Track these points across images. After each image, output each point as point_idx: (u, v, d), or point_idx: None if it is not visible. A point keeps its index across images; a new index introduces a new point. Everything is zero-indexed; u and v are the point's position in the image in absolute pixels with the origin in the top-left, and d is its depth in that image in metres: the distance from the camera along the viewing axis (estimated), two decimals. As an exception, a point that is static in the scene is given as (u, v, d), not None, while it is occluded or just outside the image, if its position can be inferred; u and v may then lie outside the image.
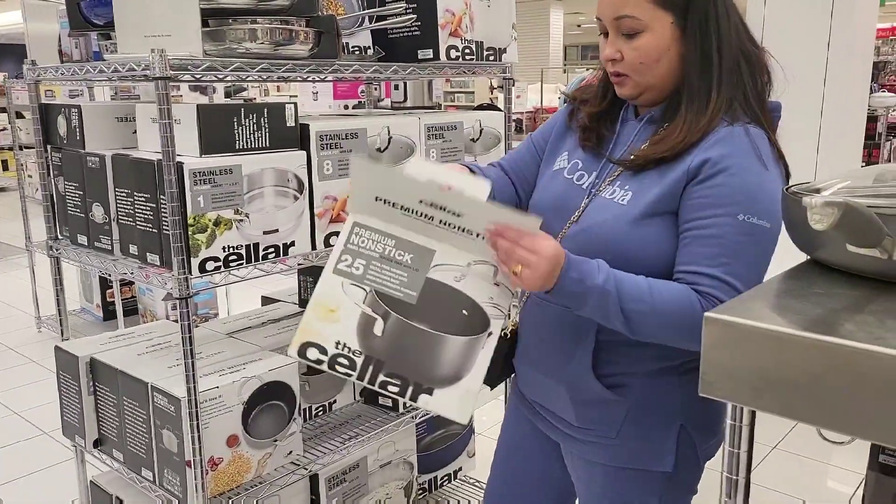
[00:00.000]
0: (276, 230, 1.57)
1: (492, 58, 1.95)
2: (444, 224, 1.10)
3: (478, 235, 1.10)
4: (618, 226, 1.18)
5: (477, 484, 2.36)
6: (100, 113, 1.64)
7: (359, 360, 1.10)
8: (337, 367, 1.10)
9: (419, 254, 1.12)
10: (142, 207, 1.50)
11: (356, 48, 1.85)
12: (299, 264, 1.62)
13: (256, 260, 1.53)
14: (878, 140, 4.86)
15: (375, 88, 2.98)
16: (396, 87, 4.93)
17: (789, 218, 0.83)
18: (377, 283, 1.11)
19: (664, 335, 1.13)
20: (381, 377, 1.10)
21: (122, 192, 1.55)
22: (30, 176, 6.84)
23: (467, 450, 2.43)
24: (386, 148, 1.78)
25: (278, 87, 9.98)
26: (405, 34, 1.85)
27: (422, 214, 1.10)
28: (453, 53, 1.83)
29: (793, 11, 4.18)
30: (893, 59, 6.84)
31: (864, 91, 4.32)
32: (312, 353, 1.10)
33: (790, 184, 0.99)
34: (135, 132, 1.67)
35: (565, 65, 16.22)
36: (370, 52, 1.87)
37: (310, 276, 2.03)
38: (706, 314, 0.67)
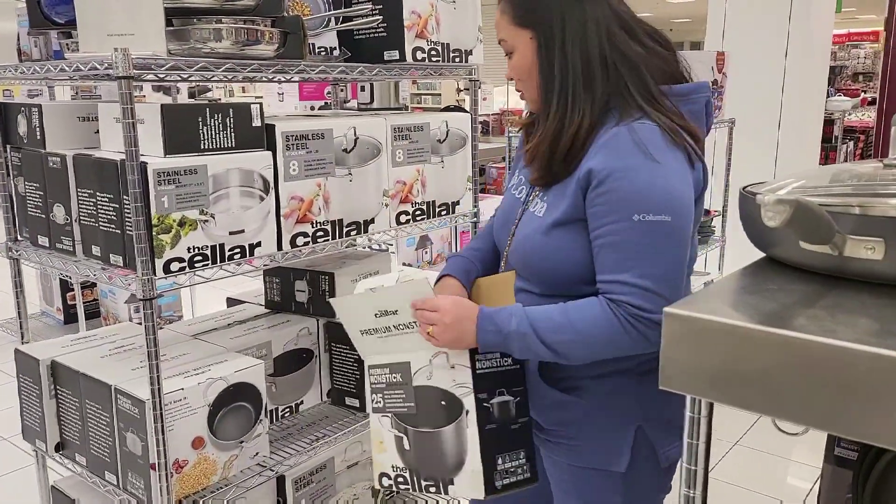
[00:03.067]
0: (242, 230, 1.56)
1: (458, 59, 1.96)
2: (398, 327, 1.30)
3: (414, 325, 1.28)
4: (535, 237, 1.25)
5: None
6: (61, 112, 1.61)
7: (408, 475, 1.32)
8: (401, 486, 1.33)
9: (402, 370, 1.32)
10: (104, 208, 1.48)
11: (322, 49, 1.85)
12: (265, 265, 1.62)
13: (222, 260, 1.52)
14: (834, 143, 5.00)
15: (342, 90, 2.98)
16: (363, 89, 4.93)
17: (745, 215, 0.86)
18: (391, 407, 1.33)
19: (595, 354, 1.18)
20: (423, 482, 1.31)
21: (84, 193, 1.53)
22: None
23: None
24: (352, 149, 1.78)
25: (244, 87, 9.88)
26: (371, 35, 1.86)
27: (385, 329, 1.31)
28: (419, 55, 1.84)
29: (752, 18, 4.28)
30: (849, 64, 7.04)
31: (821, 95, 4.44)
32: (385, 481, 1.35)
33: (747, 184, 1.02)
34: (97, 132, 1.64)
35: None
36: (336, 52, 1.87)
37: (276, 276, 2.02)
38: (665, 310, 0.69)
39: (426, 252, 5.23)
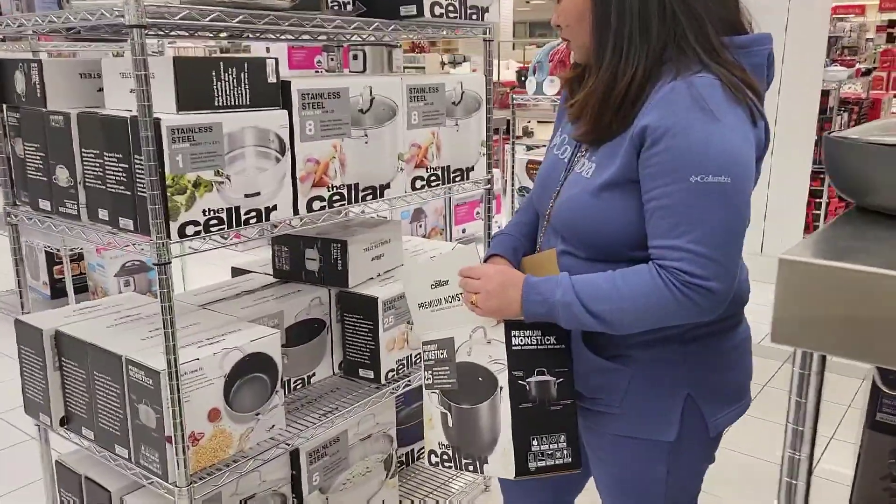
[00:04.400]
0: (258, 193, 1.48)
1: (475, 17, 1.89)
2: (448, 300, 1.29)
3: (461, 295, 1.27)
4: (582, 199, 1.18)
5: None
6: (62, 69, 1.52)
7: (451, 452, 1.29)
8: (445, 464, 1.30)
9: (448, 346, 1.29)
10: (113, 169, 1.39)
11: (335, 3, 1.76)
12: (280, 230, 1.54)
13: (238, 225, 1.45)
14: (829, 114, 4.98)
15: (332, 59, 2.88)
16: (355, 57, 4.81)
17: (833, 164, 0.80)
18: (439, 384, 1.30)
19: (644, 324, 1.13)
20: (464, 460, 1.28)
21: (89, 154, 1.44)
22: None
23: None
24: (368, 109, 1.71)
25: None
26: (386, -11, 1.77)
27: (438, 302, 1.30)
28: (437, 10, 1.76)
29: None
30: (845, 34, 7.01)
31: (819, 65, 4.40)
32: (433, 458, 1.32)
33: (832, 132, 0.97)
34: (100, 90, 1.55)
35: (514, 40, 16.18)
36: (350, 7, 1.78)
37: (285, 245, 1.95)
38: (780, 257, 0.64)
39: (420, 226, 5.17)
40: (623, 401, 1.23)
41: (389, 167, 1.78)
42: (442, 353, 1.29)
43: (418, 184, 1.87)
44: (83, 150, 1.45)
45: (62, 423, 1.64)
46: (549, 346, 1.24)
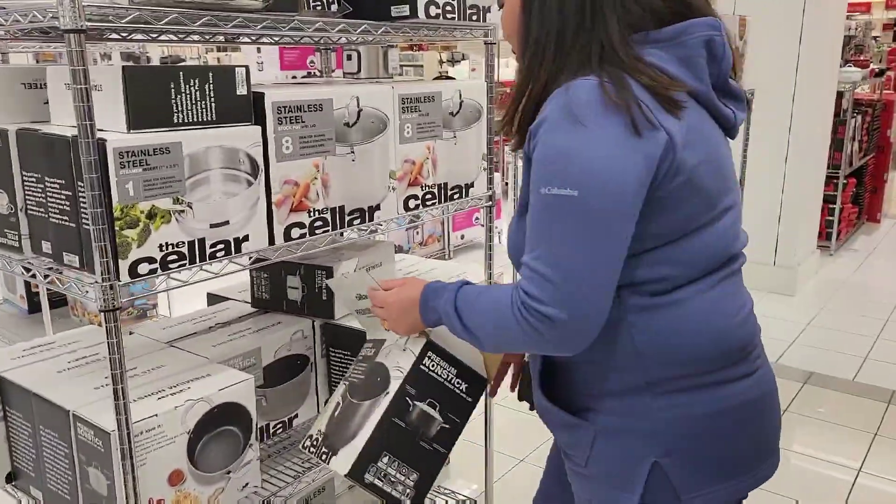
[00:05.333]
0: (226, 222, 1.29)
1: (475, 17, 1.69)
2: (370, 312, 1.34)
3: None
4: (511, 225, 1.16)
5: (453, 496, 2.14)
6: (1, 79, 1.32)
7: (320, 440, 1.31)
8: (310, 450, 1.32)
9: (377, 346, 1.36)
10: (55, 196, 1.20)
11: (317, 2, 1.56)
12: (254, 263, 1.35)
13: (202, 259, 1.25)
14: (843, 117, 4.79)
15: (324, 59, 2.70)
16: (349, 57, 4.61)
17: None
18: (352, 377, 1.35)
19: (497, 343, 1.11)
20: (323, 449, 1.29)
21: (30, 177, 1.24)
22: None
23: (442, 457, 2.20)
24: (355, 122, 1.51)
25: (218, 59, 9.41)
26: (375, -13, 1.58)
27: (367, 310, 1.36)
28: (433, 10, 1.56)
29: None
30: (850, 32, 6.82)
31: (834, 65, 4.22)
32: (307, 443, 1.34)
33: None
34: (46, 102, 1.35)
35: (515, 38, 15.99)
36: (335, 7, 1.58)
37: (264, 271, 1.75)
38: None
39: (417, 233, 4.96)
40: (588, 460, 1.11)
41: (379, 187, 1.59)
42: (370, 351, 1.36)
43: (412, 203, 1.68)
44: (24, 172, 1.26)
45: (8, 479, 1.45)
46: (456, 389, 1.27)
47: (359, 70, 4.84)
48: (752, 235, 3.87)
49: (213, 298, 1.91)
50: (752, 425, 1.11)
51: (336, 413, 1.31)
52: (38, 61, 4.50)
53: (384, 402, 1.24)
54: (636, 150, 0.96)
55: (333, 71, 2.47)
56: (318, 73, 5.10)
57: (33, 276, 1.25)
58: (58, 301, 3.57)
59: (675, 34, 1.02)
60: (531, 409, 1.31)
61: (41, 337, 3.08)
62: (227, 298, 1.89)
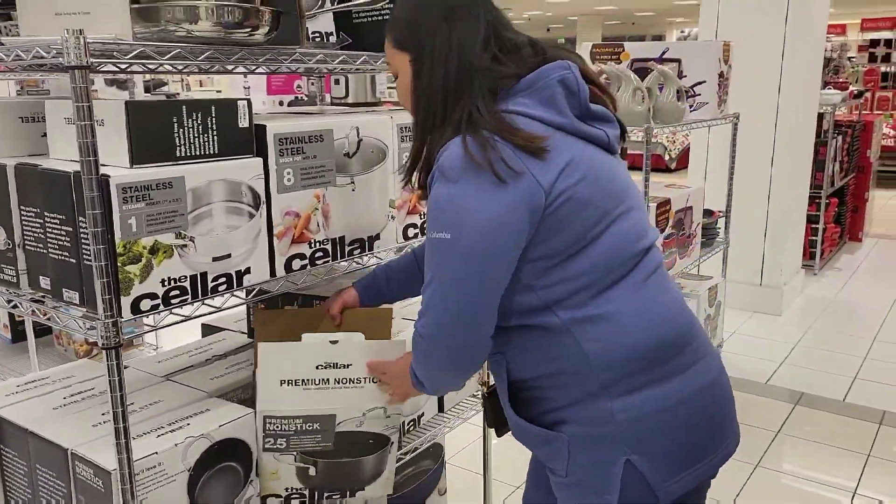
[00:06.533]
0: (228, 255, 1.28)
1: (472, 48, 1.70)
2: (339, 382, 1.41)
3: (366, 380, 1.42)
4: None
5: (452, 525, 2.12)
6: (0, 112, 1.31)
7: (307, 493, 1.46)
8: (293, 500, 1.46)
9: (325, 421, 1.42)
10: (55, 231, 1.18)
11: (316, 34, 1.57)
12: (256, 296, 1.34)
13: (204, 293, 1.24)
14: (824, 138, 4.87)
15: (312, 83, 2.69)
16: (337, 82, 4.62)
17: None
18: (300, 448, 1.42)
19: (429, 381, 1.26)
20: (326, 494, 1.48)
21: (29, 212, 1.23)
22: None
23: (438, 487, 2.18)
24: (355, 153, 1.51)
25: (201, 81, 9.25)
26: (373, 18, 1.59)
27: (320, 381, 1.40)
28: (432, 42, 1.57)
29: (748, 7, 4.09)
30: (827, 53, 6.95)
31: (815, 88, 4.29)
32: (273, 501, 1.44)
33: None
34: (44, 135, 1.34)
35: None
36: (333, 38, 1.59)
37: (261, 301, 1.73)
38: None
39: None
40: (568, 470, 1.21)
41: (379, 216, 1.58)
42: (312, 426, 1.40)
43: (411, 232, 1.68)
44: (22, 207, 1.24)
45: (1, 519, 1.41)
46: None
47: (346, 94, 4.85)
48: (739, 256, 3.88)
49: (208, 329, 1.89)
50: (707, 411, 1.22)
51: (313, 473, 1.43)
52: (21, 87, 4.45)
53: (394, 447, 1.47)
54: (502, 197, 1.10)
55: (323, 98, 2.47)
56: (305, 98, 5.10)
57: (32, 312, 1.23)
58: (42, 330, 3.52)
59: (532, 82, 1.18)
60: (499, 435, 1.44)
61: (25, 367, 3.02)
62: (223, 329, 1.87)
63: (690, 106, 3.14)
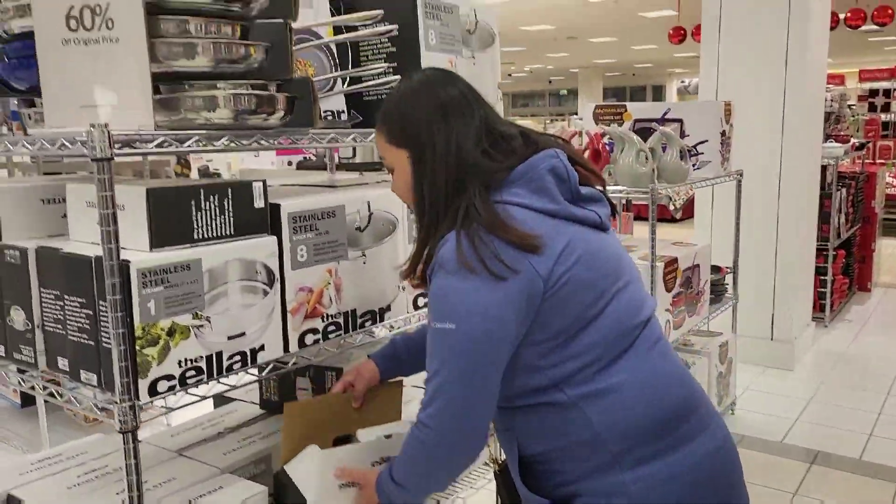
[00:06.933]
0: (243, 333, 1.30)
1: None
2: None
3: None
4: None
5: None
6: (21, 196, 1.35)
7: None
8: None
9: None
10: (74, 314, 1.21)
11: (328, 112, 1.62)
12: (270, 372, 1.35)
13: (220, 372, 1.26)
14: (828, 190, 4.91)
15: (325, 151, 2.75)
16: (345, 143, 4.71)
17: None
18: None
19: (420, 474, 1.24)
20: None
21: (49, 294, 1.25)
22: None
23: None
24: (366, 226, 1.54)
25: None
26: (382, 96, 1.63)
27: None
28: (440, 118, 1.62)
29: (747, 64, 4.18)
30: (827, 104, 7.04)
31: (818, 142, 4.35)
32: None
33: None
34: (64, 216, 1.38)
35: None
36: (344, 116, 1.64)
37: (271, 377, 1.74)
38: None
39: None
40: None
41: (390, 288, 1.61)
42: None
43: (421, 301, 1.69)
44: (42, 290, 1.27)
45: None
46: None
47: (354, 155, 4.94)
48: (749, 311, 3.85)
49: (219, 399, 1.90)
50: (716, 477, 1.23)
51: None
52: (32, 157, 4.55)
53: None
54: (501, 290, 1.14)
55: (332, 158, 2.52)
56: (313, 158, 5.20)
57: (50, 394, 1.24)
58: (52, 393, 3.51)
59: (524, 172, 1.22)
60: None
61: (35, 433, 3.01)
62: (234, 399, 1.87)
63: (694, 164, 3.19)
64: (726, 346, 3.43)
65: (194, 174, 4.74)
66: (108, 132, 1.06)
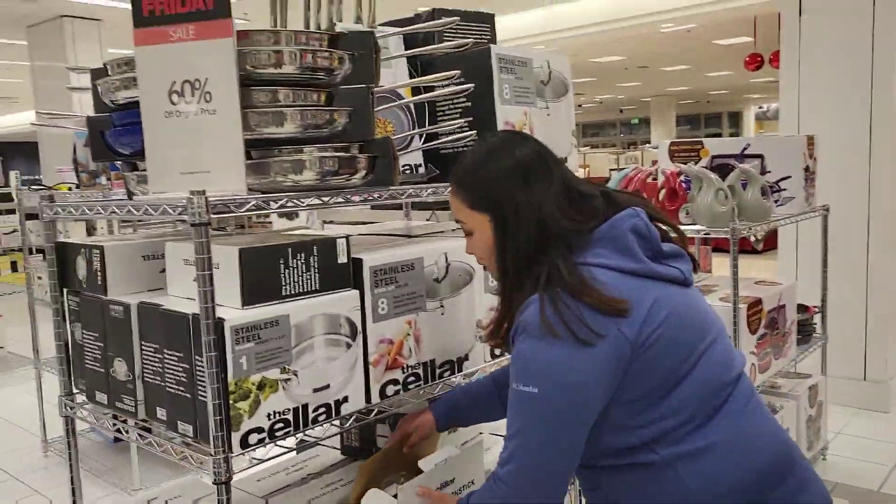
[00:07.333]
0: (327, 386, 1.34)
1: (555, 171, 1.76)
2: None
3: None
4: None
5: None
6: (124, 253, 1.44)
7: None
8: None
9: None
10: (173, 367, 1.28)
11: (406, 166, 1.67)
12: (353, 423, 1.39)
13: (305, 425, 1.30)
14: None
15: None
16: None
17: None
18: None
19: None
20: None
21: (149, 347, 1.33)
22: (39, 278, 6.68)
23: None
24: (444, 277, 1.57)
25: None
26: (458, 150, 1.67)
27: None
28: (516, 170, 1.64)
29: (830, 95, 4.06)
30: None
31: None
32: None
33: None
34: (163, 271, 1.46)
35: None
36: (421, 169, 1.69)
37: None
38: None
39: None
40: None
41: (467, 337, 1.63)
42: None
43: (498, 351, 1.71)
44: (143, 343, 1.35)
45: None
46: None
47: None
48: (840, 352, 3.66)
49: (301, 441, 1.95)
50: None
51: None
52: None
53: None
54: (587, 355, 1.14)
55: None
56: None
57: (149, 443, 1.31)
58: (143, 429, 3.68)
59: (606, 233, 1.23)
60: None
61: (126, 468, 3.14)
62: (316, 443, 1.92)
63: (776, 201, 3.10)
64: (816, 388, 3.29)
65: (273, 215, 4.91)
66: (206, 199, 1.13)
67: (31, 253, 4.80)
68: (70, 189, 3.71)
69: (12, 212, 8.31)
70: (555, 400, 1.14)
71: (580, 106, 22.14)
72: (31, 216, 6.64)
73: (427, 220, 3.25)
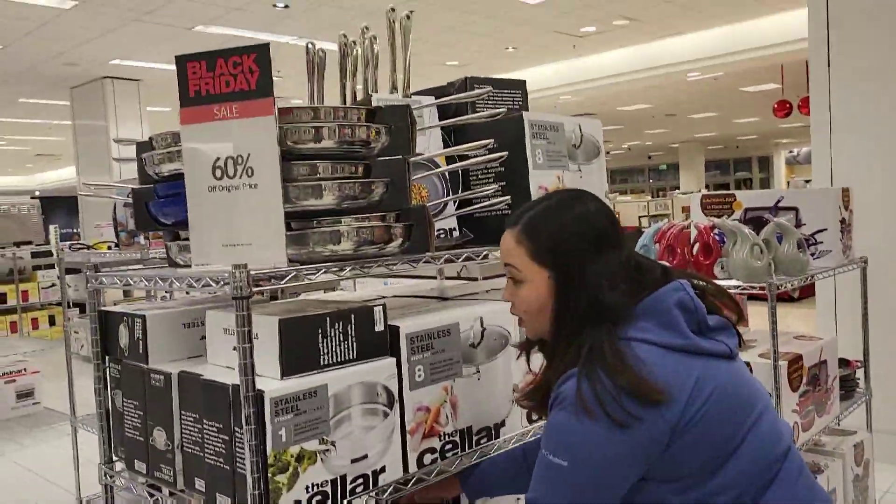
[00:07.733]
0: (365, 456, 1.33)
1: (589, 233, 1.77)
2: None
3: None
4: None
5: None
6: (165, 322, 1.46)
7: None
8: None
9: None
10: (212, 437, 1.28)
11: (440, 231, 1.69)
12: (391, 494, 1.37)
13: (343, 496, 1.29)
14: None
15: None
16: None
17: None
18: None
19: None
20: None
21: (188, 417, 1.34)
22: (76, 332, 6.79)
23: None
24: (479, 342, 1.57)
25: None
26: (492, 214, 1.69)
27: None
28: (551, 234, 1.65)
29: (862, 147, 4.02)
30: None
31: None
32: None
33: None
34: (203, 338, 1.48)
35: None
36: (456, 234, 1.70)
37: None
38: None
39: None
40: None
41: (504, 403, 1.61)
42: None
43: (534, 416, 1.68)
44: (183, 412, 1.36)
45: None
46: None
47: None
48: (885, 406, 3.53)
49: (336, 507, 1.93)
50: None
51: None
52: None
53: None
54: (618, 438, 1.13)
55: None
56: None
57: (188, 515, 1.31)
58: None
59: (650, 307, 1.21)
60: None
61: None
62: None
63: (813, 254, 3.06)
64: (861, 445, 3.17)
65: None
66: (248, 273, 1.15)
67: (69, 307, 4.90)
68: (109, 248, 3.80)
69: (51, 266, 8.54)
70: (580, 478, 1.15)
71: (608, 153, 22.20)
72: (71, 271, 6.81)
73: (458, 273, 3.26)
